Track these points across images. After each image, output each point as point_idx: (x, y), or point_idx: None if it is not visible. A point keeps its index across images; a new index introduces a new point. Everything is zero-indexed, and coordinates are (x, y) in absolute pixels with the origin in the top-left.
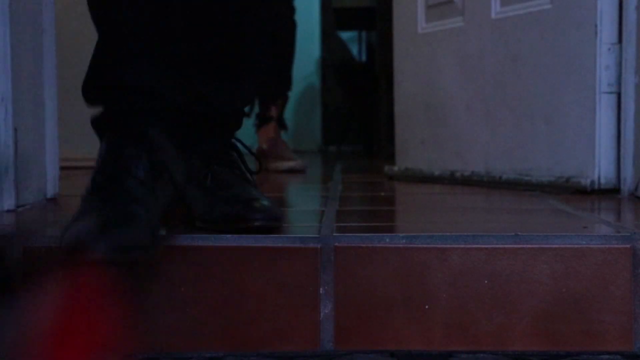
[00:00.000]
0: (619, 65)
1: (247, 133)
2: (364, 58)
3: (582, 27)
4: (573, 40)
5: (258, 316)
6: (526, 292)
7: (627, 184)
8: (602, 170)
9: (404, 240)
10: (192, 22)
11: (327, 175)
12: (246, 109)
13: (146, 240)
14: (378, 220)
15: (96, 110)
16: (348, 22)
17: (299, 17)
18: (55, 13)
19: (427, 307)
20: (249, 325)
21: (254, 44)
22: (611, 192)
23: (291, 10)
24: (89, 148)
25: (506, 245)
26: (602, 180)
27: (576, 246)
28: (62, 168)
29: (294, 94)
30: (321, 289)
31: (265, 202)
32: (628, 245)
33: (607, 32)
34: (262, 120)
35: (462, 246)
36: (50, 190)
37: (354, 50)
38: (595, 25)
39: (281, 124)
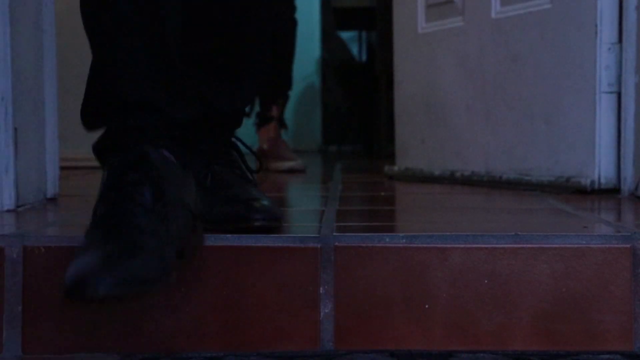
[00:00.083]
0: (619, 65)
1: (248, 133)
2: (364, 58)
3: (582, 27)
4: (573, 40)
5: (258, 316)
6: (526, 291)
7: (627, 184)
8: (602, 170)
9: (404, 240)
10: (191, 22)
11: (327, 175)
12: (246, 109)
13: (155, 273)
14: (378, 220)
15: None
16: (348, 22)
17: (299, 17)
18: (55, 13)
19: (427, 306)
20: (249, 325)
21: (255, 43)
22: (611, 191)
23: (292, 8)
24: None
25: (506, 245)
26: (602, 180)
27: (576, 246)
28: (62, 168)
29: (294, 93)
30: (321, 288)
31: (265, 202)
32: (628, 245)
33: (607, 31)
34: (263, 120)
35: (462, 246)
36: (50, 190)
37: (354, 50)
38: (596, 25)
39: (281, 124)
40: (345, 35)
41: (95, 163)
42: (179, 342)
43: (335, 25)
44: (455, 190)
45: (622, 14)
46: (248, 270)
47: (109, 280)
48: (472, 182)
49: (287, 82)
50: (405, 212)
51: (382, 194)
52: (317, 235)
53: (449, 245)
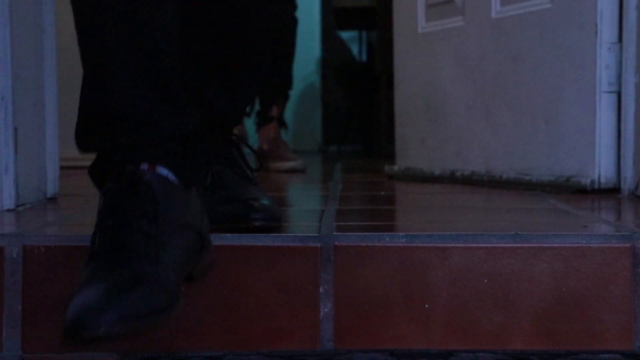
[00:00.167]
0: (619, 64)
1: (248, 133)
2: (364, 58)
3: (582, 27)
4: (573, 39)
5: (258, 315)
6: (526, 291)
7: (627, 184)
8: (602, 169)
9: (403, 240)
10: (192, 21)
11: (327, 175)
12: (247, 108)
13: (160, 304)
14: (378, 220)
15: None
16: (348, 21)
17: (299, 16)
18: (55, 13)
19: (427, 306)
20: (249, 325)
21: (255, 42)
22: (611, 191)
23: (292, 7)
24: None
25: (506, 245)
26: (602, 180)
27: (576, 245)
28: (62, 168)
29: (294, 93)
30: (321, 288)
31: (265, 201)
32: (628, 245)
33: (607, 31)
34: (263, 120)
35: (462, 245)
36: (50, 189)
37: (354, 50)
38: (596, 25)
39: (281, 123)
40: (346, 35)
41: None
42: (178, 341)
43: (335, 25)
44: (456, 189)
45: (622, 14)
46: (248, 270)
47: (111, 317)
48: (472, 181)
49: (288, 82)
50: (405, 211)
51: (382, 193)
52: (317, 234)
53: (449, 245)
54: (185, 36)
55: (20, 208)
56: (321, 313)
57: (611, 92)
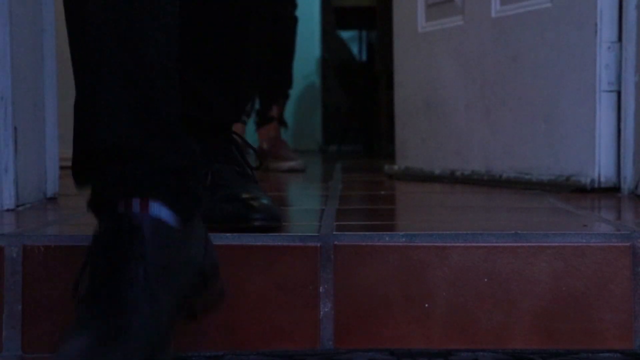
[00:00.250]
0: (619, 63)
1: (248, 132)
2: (364, 57)
3: (582, 26)
4: (573, 39)
5: (258, 315)
6: (526, 290)
7: (627, 183)
8: (602, 168)
9: (403, 239)
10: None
11: (327, 175)
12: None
13: (144, 356)
14: (378, 219)
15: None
16: (348, 21)
17: (299, 16)
18: (55, 13)
19: (426, 305)
20: (249, 324)
21: (255, 40)
22: (611, 190)
23: (293, 6)
24: None
25: (506, 244)
26: (602, 179)
27: (576, 244)
28: (62, 167)
29: (294, 93)
30: (321, 287)
31: (265, 201)
32: (628, 244)
33: (607, 30)
34: (263, 120)
35: (462, 245)
36: (50, 189)
37: (354, 49)
38: (595, 24)
39: (281, 122)
40: (346, 34)
41: None
42: (178, 341)
43: (335, 24)
44: (455, 189)
45: (622, 13)
46: (248, 269)
47: None
48: (472, 181)
49: (288, 81)
50: (405, 211)
51: (382, 193)
52: (317, 234)
53: (448, 244)
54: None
55: (20, 208)
56: (321, 313)
57: (611, 91)
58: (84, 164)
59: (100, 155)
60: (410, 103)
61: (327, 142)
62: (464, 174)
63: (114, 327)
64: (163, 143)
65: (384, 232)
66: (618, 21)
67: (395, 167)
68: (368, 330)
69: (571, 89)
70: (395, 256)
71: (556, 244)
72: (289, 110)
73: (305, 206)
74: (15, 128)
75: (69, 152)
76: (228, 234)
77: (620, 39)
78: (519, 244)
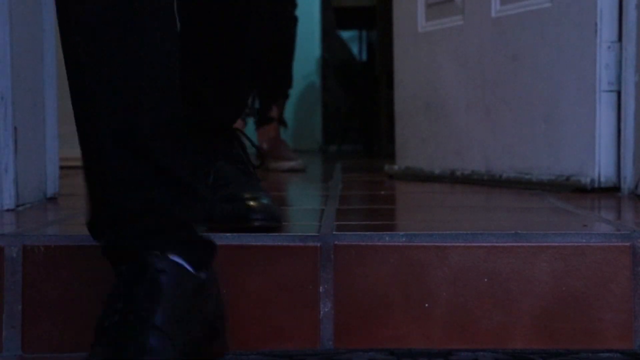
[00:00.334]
0: (619, 63)
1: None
2: (364, 57)
3: (582, 26)
4: (573, 38)
5: (258, 315)
6: (526, 290)
7: (627, 183)
8: (602, 168)
9: (403, 239)
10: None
11: (327, 175)
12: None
13: None
14: (378, 219)
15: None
16: (348, 21)
17: (299, 16)
18: (55, 13)
19: (426, 305)
20: (249, 324)
21: (255, 40)
22: (611, 190)
23: (293, 6)
24: None
25: (506, 244)
26: (602, 179)
27: (576, 244)
28: (62, 167)
29: (294, 93)
30: (321, 287)
31: (265, 201)
32: (628, 244)
33: (607, 30)
34: (263, 120)
35: (462, 244)
36: (50, 189)
37: (354, 49)
38: (595, 24)
39: (281, 122)
40: (346, 34)
41: None
42: None
43: (335, 24)
44: (456, 189)
45: (622, 13)
46: (248, 269)
47: None
48: (472, 181)
49: (288, 80)
50: (405, 211)
51: (382, 193)
52: (317, 234)
53: (449, 244)
54: (183, 35)
55: (20, 208)
56: (321, 312)
57: (611, 91)
58: (98, 221)
59: (116, 217)
60: (410, 103)
61: (327, 142)
62: (464, 174)
63: None
64: (174, 199)
65: (384, 232)
66: (618, 21)
67: (396, 167)
68: (368, 330)
69: (571, 89)
70: (395, 256)
71: (556, 244)
72: (289, 110)
73: (305, 206)
74: (15, 128)
75: (69, 152)
76: (228, 234)
77: (620, 38)
78: (519, 244)
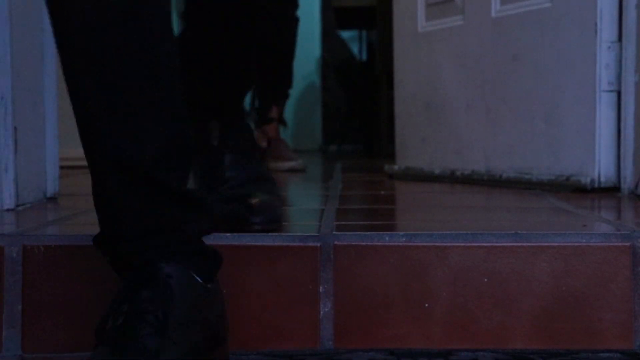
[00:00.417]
0: (619, 63)
1: None
2: (364, 57)
3: (582, 26)
4: (573, 38)
5: (258, 315)
6: (526, 290)
7: (627, 183)
8: (602, 168)
9: (403, 239)
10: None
11: (327, 174)
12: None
13: None
14: (378, 219)
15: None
16: (348, 21)
17: (299, 16)
18: None
19: (426, 305)
20: (249, 324)
21: (257, 41)
22: (611, 190)
23: (294, 6)
24: None
25: (506, 244)
26: (602, 179)
27: (576, 244)
28: (62, 167)
29: (294, 93)
30: (321, 287)
31: (265, 198)
32: (628, 244)
33: (607, 30)
34: (263, 120)
35: (462, 244)
36: (50, 189)
37: (355, 49)
38: (595, 24)
39: (281, 121)
40: (346, 34)
41: None
42: None
43: (335, 24)
44: (456, 189)
45: (622, 12)
46: (248, 269)
47: None
48: (472, 181)
49: (288, 80)
50: (405, 210)
51: (382, 192)
52: (317, 234)
53: (448, 244)
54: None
55: (20, 208)
56: (321, 312)
57: (611, 91)
58: (105, 239)
59: (128, 240)
60: (410, 103)
61: (327, 142)
62: (464, 174)
63: None
64: (183, 215)
65: (384, 232)
66: (618, 21)
67: (396, 167)
68: (368, 330)
69: (571, 89)
70: (395, 256)
71: (556, 244)
72: (289, 110)
73: (305, 206)
74: (15, 128)
75: (69, 152)
76: (228, 234)
77: (620, 38)
78: (519, 244)
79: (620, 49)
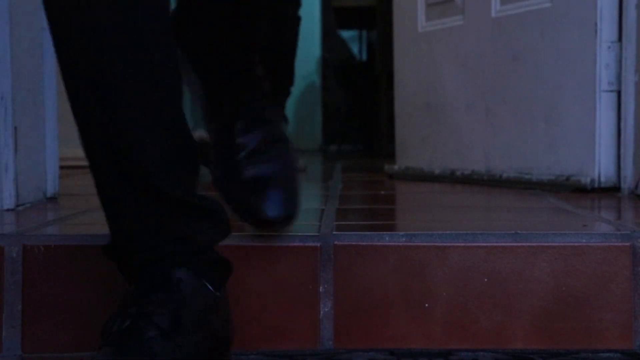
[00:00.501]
0: (619, 63)
1: None
2: (364, 57)
3: (582, 26)
4: (573, 38)
5: (258, 315)
6: (526, 290)
7: (627, 182)
8: (602, 168)
9: (403, 239)
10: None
11: (327, 174)
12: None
13: None
14: (378, 219)
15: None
16: (349, 21)
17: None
18: None
19: (426, 305)
20: (249, 324)
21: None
22: (611, 190)
23: (296, 6)
24: None
25: (506, 244)
26: (602, 179)
27: (576, 244)
28: (62, 167)
29: (294, 93)
30: (321, 287)
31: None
32: (628, 244)
33: (607, 30)
34: None
35: (462, 244)
36: (50, 189)
37: (355, 49)
38: (595, 24)
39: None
40: (346, 34)
41: None
42: None
43: (335, 24)
44: (456, 189)
45: (622, 12)
46: (248, 269)
47: None
48: (472, 180)
49: (290, 79)
50: (405, 210)
51: (382, 192)
52: (317, 234)
53: (448, 244)
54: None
55: (20, 208)
56: (321, 312)
57: (611, 91)
58: (115, 249)
59: (140, 252)
60: (410, 103)
61: (327, 142)
62: (464, 173)
63: None
64: (198, 225)
65: (384, 232)
66: (618, 21)
67: (396, 166)
68: (368, 330)
69: (571, 89)
70: (395, 256)
71: (556, 244)
72: (289, 110)
73: (305, 206)
74: (15, 128)
75: (69, 152)
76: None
77: (620, 38)
78: (519, 244)
79: (620, 49)
